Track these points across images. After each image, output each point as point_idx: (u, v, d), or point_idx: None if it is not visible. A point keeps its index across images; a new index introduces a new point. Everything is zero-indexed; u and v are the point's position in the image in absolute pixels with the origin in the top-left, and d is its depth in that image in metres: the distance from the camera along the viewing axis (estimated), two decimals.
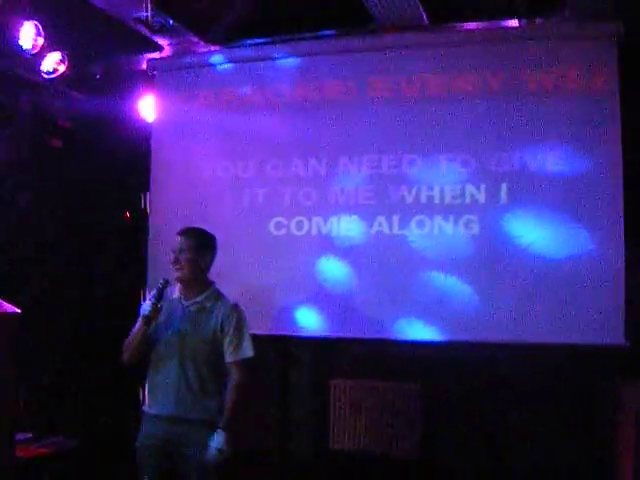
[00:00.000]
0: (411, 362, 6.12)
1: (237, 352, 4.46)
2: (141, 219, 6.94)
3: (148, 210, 6.89)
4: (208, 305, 4.54)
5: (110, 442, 6.37)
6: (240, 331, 4.50)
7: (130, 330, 4.53)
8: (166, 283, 4.47)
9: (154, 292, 4.44)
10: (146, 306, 4.44)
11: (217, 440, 4.28)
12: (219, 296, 4.61)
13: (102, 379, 6.66)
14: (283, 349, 6.62)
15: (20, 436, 4.94)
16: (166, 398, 4.43)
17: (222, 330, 4.47)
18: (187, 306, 4.54)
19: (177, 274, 4.52)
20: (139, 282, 6.74)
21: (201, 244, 4.60)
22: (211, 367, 4.46)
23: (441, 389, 6.10)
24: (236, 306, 4.58)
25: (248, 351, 4.49)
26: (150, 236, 6.81)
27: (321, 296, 6.28)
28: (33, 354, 5.89)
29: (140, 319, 4.46)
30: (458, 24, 6.21)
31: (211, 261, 4.64)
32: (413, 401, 6.16)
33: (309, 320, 6.29)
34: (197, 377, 4.43)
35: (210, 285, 4.62)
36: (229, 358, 4.46)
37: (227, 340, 4.47)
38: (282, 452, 6.62)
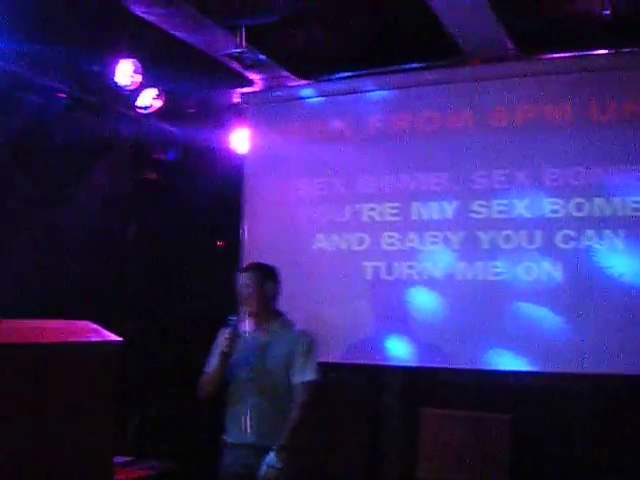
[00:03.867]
0: (502, 393, 6.06)
1: (302, 374, 4.57)
2: (235, 250, 7.05)
3: (241, 241, 7.01)
4: (279, 334, 4.69)
5: (209, 465, 6.50)
6: (307, 355, 4.62)
7: (204, 367, 4.72)
8: (237, 319, 4.63)
9: (228, 329, 4.60)
10: (221, 343, 4.62)
11: (270, 457, 4.36)
12: (290, 325, 4.77)
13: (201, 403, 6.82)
14: (373, 378, 6.64)
15: (119, 459, 5.06)
16: (245, 427, 4.57)
17: (293, 356, 4.60)
18: (259, 337, 4.69)
19: (247, 309, 4.71)
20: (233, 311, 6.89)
21: (263, 276, 4.76)
22: (286, 393, 4.57)
23: (532, 421, 6.00)
24: (305, 332, 4.76)
25: (313, 374, 4.59)
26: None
27: (411, 326, 6.32)
28: (135, 381, 6.06)
29: (217, 356, 4.64)
30: (545, 54, 6.21)
31: (276, 291, 4.80)
32: (503, 432, 6.07)
33: (399, 349, 6.34)
34: (274, 405, 4.57)
35: (280, 315, 4.78)
36: (294, 379, 4.57)
37: (294, 363, 4.58)
38: None
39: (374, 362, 6.29)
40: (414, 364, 6.34)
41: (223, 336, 4.64)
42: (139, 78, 5.97)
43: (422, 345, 6.29)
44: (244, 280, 4.75)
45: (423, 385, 6.48)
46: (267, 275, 4.80)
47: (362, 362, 5.63)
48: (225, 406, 4.74)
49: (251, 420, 4.56)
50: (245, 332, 4.72)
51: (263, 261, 6.08)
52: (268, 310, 4.76)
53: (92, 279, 6.40)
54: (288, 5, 5.49)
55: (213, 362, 4.71)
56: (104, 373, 4.27)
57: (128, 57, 5.88)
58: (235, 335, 4.59)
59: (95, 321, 4.44)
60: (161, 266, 6.95)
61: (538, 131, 6.09)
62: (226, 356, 4.60)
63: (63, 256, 6.27)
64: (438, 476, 6.19)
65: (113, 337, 4.34)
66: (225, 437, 4.73)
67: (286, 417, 4.51)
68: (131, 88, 6.04)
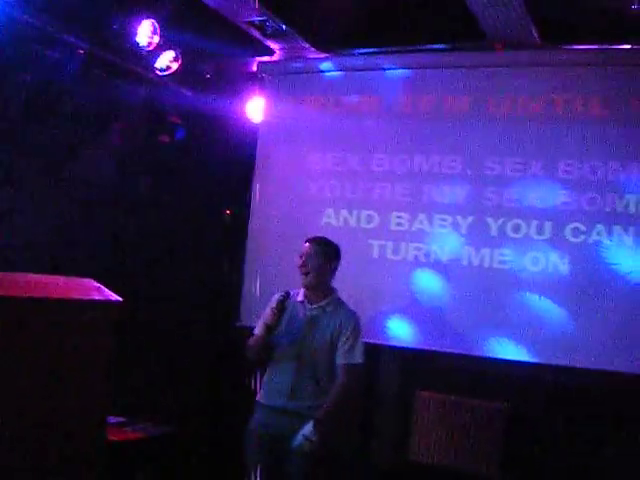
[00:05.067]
0: (499, 381, 6.06)
1: (348, 356, 4.67)
2: (243, 218, 7.05)
3: (250, 210, 7.00)
4: (329, 310, 4.77)
5: (204, 429, 6.56)
6: (354, 338, 4.71)
7: (252, 331, 4.87)
8: (287, 295, 4.70)
9: (275, 304, 4.68)
10: (268, 315, 4.70)
11: (307, 428, 4.46)
12: (340, 303, 4.84)
13: (200, 368, 6.88)
14: (371, 356, 6.61)
15: (112, 419, 5.08)
16: (282, 393, 4.69)
17: (339, 334, 4.68)
18: (309, 310, 4.77)
19: (304, 280, 4.76)
20: (236, 277, 7.01)
21: (327, 252, 4.83)
22: (326, 367, 4.68)
23: (527, 411, 6.01)
24: (354, 314, 4.81)
25: (358, 358, 4.70)
26: (249, 235, 6.95)
27: (414, 308, 6.30)
28: (135, 342, 6.08)
29: (262, 327, 4.72)
30: (569, 45, 6.13)
31: (335, 269, 4.87)
32: (497, 421, 6.07)
33: (400, 330, 6.32)
34: (313, 376, 4.67)
35: (333, 292, 4.86)
36: (339, 360, 4.67)
37: (340, 343, 4.67)
38: (361, 458, 6.62)
39: (373, 341, 6.27)
40: (413, 346, 6.33)
41: (271, 305, 4.73)
42: (157, 39, 5.94)
43: (423, 328, 6.28)
44: (310, 250, 4.80)
45: (421, 368, 6.49)
46: (333, 252, 4.88)
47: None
48: (266, 370, 4.86)
49: (287, 386, 4.67)
50: (297, 300, 4.81)
51: (270, 231, 6.19)
52: (324, 285, 4.83)
53: (97, 239, 6.40)
54: None
55: (258, 328, 4.80)
56: (104, 332, 4.29)
57: (148, 17, 5.84)
58: (281, 309, 4.66)
59: (97, 279, 4.48)
60: (167, 230, 6.93)
61: (556, 122, 6.04)
62: (269, 328, 4.68)
63: (70, 213, 6.26)
64: (429, 459, 6.21)
65: (114, 296, 4.37)
66: (258, 398, 4.86)
67: (321, 390, 4.65)
68: (149, 49, 6.00)
